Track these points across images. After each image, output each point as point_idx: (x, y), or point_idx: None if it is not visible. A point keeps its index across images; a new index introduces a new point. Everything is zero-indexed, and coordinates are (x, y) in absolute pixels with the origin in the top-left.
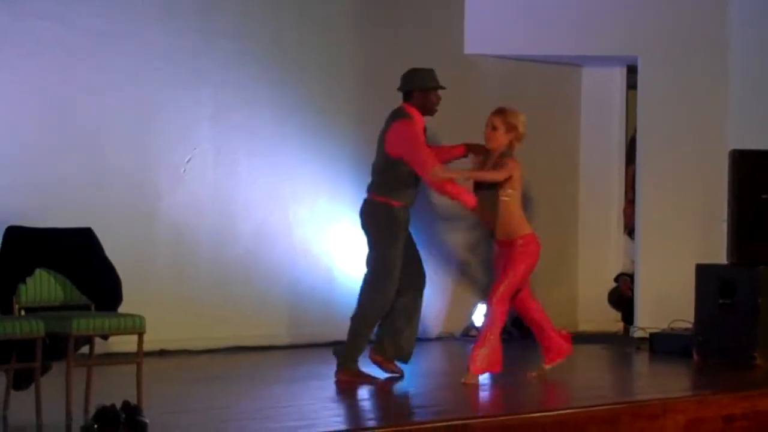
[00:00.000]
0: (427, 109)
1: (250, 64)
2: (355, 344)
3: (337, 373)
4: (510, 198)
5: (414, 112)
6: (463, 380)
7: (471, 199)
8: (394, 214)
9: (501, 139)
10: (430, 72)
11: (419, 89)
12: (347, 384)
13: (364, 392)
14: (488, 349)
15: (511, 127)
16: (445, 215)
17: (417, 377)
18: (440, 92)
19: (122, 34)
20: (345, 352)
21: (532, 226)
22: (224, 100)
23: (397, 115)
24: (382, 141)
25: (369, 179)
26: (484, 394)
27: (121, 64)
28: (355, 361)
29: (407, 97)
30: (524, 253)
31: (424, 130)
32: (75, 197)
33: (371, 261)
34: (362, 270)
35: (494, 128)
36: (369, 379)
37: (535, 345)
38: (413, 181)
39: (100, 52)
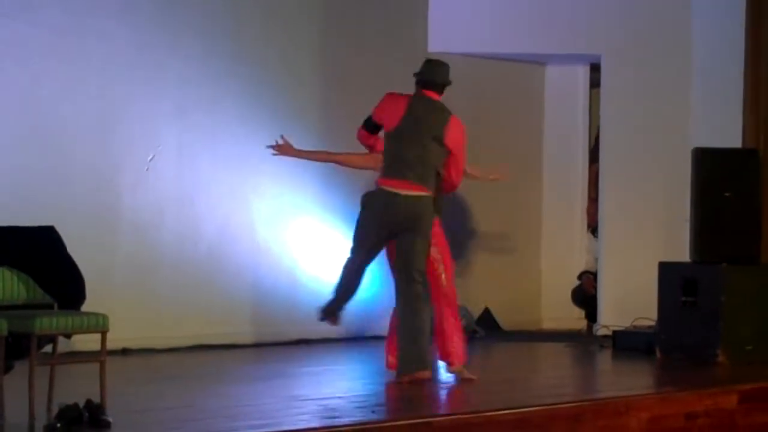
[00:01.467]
0: None
1: (214, 62)
2: None
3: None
4: None
5: None
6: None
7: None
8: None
9: None
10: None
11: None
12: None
13: (327, 390)
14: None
15: None
16: None
17: (379, 375)
18: (400, 88)
19: (85, 30)
20: None
21: (496, 225)
22: (187, 97)
23: (447, 111)
24: (430, 132)
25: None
26: (447, 392)
27: (83, 60)
28: None
29: (441, 91)
30: None
31: None
32: (38, 195)
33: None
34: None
35: None
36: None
37: (499, 343)
38: None
39: (62, 48)
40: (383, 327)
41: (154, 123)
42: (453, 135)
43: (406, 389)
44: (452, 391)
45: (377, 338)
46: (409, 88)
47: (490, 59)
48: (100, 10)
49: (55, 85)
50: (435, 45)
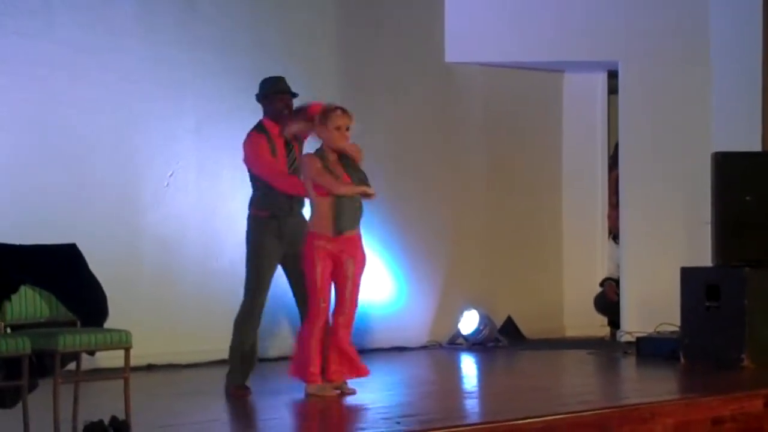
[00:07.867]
0: (275, 116)
1: (232, 76)
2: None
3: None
4: None
5: (266, 122)
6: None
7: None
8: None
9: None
10: (274, 79)
11: (263, 98)
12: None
13: (352, 402)
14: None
15: None
16: (432, 223)
17: (403, 386)
18: (418, 99)
19: (103, 47)
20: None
21: (516, 233)
22: (206, 112)
23: (253, 127)
24: None
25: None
26: (470, 402)
27: (102, 77)
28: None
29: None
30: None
31: (280, 134)
32: (58, 213)
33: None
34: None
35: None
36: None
37: (522, 351)
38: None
39: (80, 65)
40: (404, 339)
41: (174, 139)
42: (244, 151)
43: (429, 399)
44: (475, 400)
45: (398, 349)
46: (427, 99)
47: (507, 68)
48: (118, 27)
49: (73, 102)
50: (452, 56)
